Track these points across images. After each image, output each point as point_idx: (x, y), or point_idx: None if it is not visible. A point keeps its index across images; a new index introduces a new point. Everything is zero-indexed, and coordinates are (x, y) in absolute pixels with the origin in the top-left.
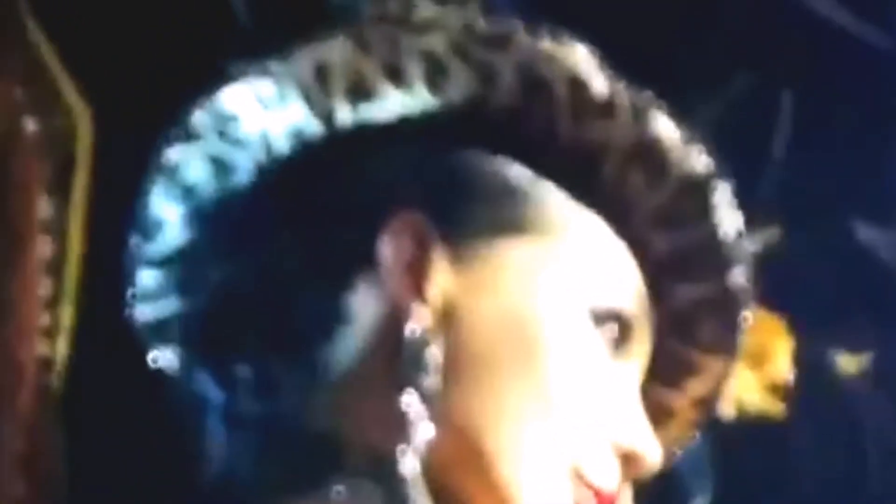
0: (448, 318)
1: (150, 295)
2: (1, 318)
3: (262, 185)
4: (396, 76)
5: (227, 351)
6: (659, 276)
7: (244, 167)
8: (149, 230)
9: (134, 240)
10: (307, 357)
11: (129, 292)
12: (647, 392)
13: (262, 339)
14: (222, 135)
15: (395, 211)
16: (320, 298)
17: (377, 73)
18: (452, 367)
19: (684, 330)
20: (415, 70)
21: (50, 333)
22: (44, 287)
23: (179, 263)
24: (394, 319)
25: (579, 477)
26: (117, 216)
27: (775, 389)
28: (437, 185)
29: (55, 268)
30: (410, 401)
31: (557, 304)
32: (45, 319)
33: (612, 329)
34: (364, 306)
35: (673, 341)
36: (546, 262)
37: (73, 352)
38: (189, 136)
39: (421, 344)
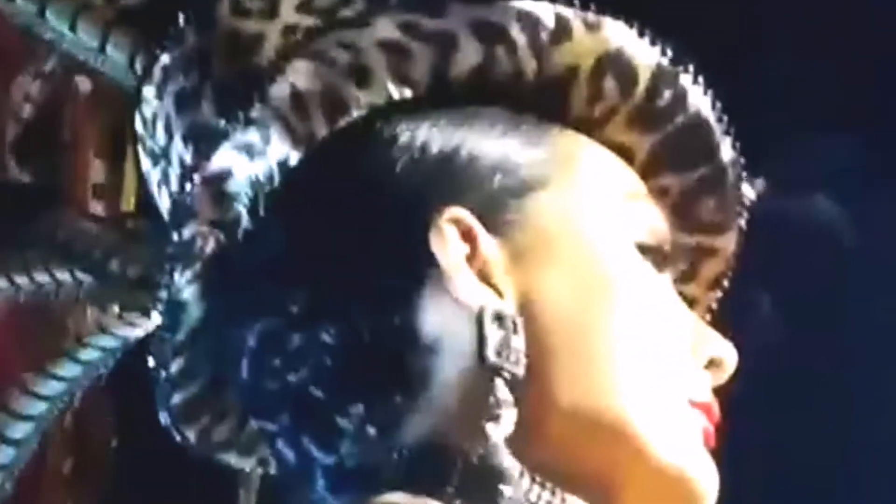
0: (521, 301)
1: (179, 382)
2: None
3: (267, 231)
4: (363, 77)
5: (323, 410)
6: (651, 176)
7: (242, 220)
8: (174, 318)
9: (161, 334)
10: (409, 387)
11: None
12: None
13: (352, 386)
14: (218, 198)
15: (430, 211)
16: (396, 330)
17: (344, 80)
18: (542, 349)
19: (686, 219)
20: (379, 65)
21: None
22: None
23: (203, 342)
24: (472, 320)
25: (693, 402)
26: None
27: None
28: (450, 169)
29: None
30: (500, 391)
31: (609, 242)
32: None
33: (654, 252)
34: (444, 315)
35: (678, 234)
36: (578, 204)
37: None
38: (189, 211)
39: (505, 330)
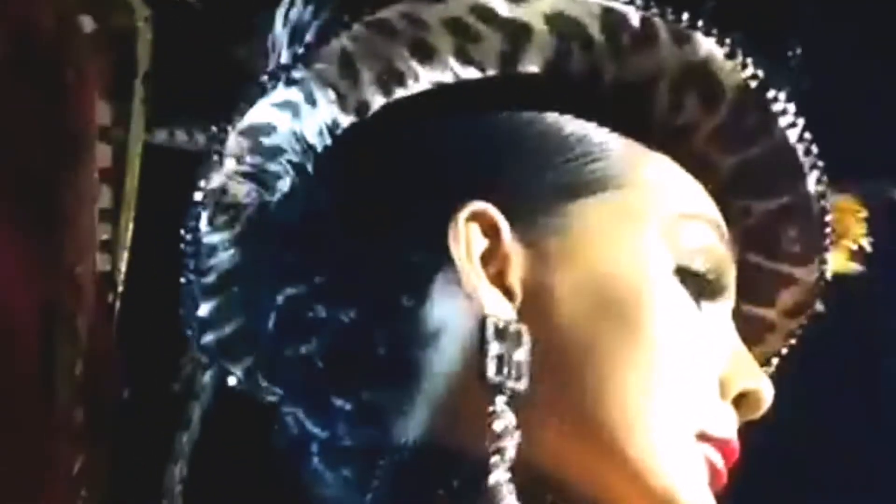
0: (534, 307)
1: (211, 323)
2: (56, 231)
3: (307, 191)
4: (425, 54)
5: (320, 385)
6: (731, 196)
7: (284, 175)
8: (201, 261)
9: (187, 276)
10: (403, 376)
11: (190, 324)
12: (738, 312)
13: (352, 367)
14: (257, 150)
15: (457, 202)
16: (402, 313)
17: (404, 54)
18: (548, 359)
19: (768, 245)
20: (443, 43)
21: (109, 248)
22: (103, 198)
23: (236, 287)
24: (480, 318)
25: (704, 436)
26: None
27: (852, 256)
28: (493, 161)
29: (115, 178)
30: (500, 408)
31: (645, 263)
32: (103, 233)
33: (699, 280)
34: (449, 309)
35: (757, 258)
36: (624, 218)
37: (132, 268)
38: (224, 158)
39: (507, 343)
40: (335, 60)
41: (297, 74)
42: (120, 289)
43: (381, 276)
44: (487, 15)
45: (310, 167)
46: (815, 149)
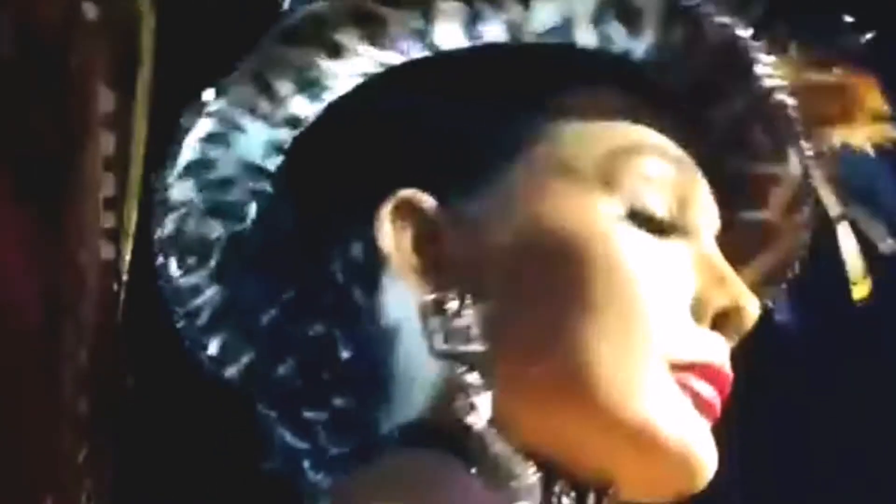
0: (477, 275)
1: (226, 359)
2: (60, 219)
3: (270, 213)
4: (334, 50)
5: (297, 401)
6: (690, 114)
7: (249, 202)
8: (186, 304)
9: (180, 321)
10: (370, 375)
11: (205, 364)
12: (736, 222)
13: (322, 378)
14: (205, 186)
15: (383, 193)
16: (359, 313)
17: (313, 57)
18: (503, 320)
19: (742, 148)
20: (350, 35)
21: (113, 236)
22: (106, 186)
23: (234, 321)
24: (418, 301)
25: (679, 365)
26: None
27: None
28: (415, 146)
29: (119, 165)
30: (462, 376)
31: (583, 213)
32: (107, 221)
33: (654, 219)
34: (400, 301)
35: (738, 162)
36: (554, 173)
37: (135, 256)
38: (170, 203)
39: (446, 315)
40: (248, 82)
41: (212, 107)
42: (124, 277)
43: (334, 282)
44: None
45: (270, 189)
46: (757, 44)
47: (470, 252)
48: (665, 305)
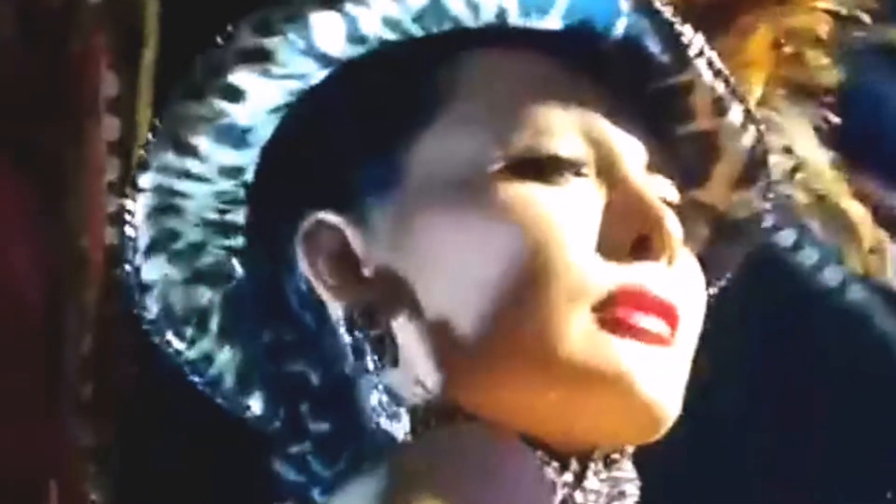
0: (394, 278)
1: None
2: (64, 203)
3: (242, 265)
4: (235, 95)
5: (280, 439)
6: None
7: (221, 265)
8: (207, 376)
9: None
10: (340, 397)
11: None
12: (680, 139)
13: (298, 411)
14: (176, 256)
15: (297, 219)
16: (316, 340)
17: (221, 106)
18: (425, 315)
19: (665, 113)
20: (247, 76)
21: (118, 220)
22: (110, 170)
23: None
24: (338, 321)
25: (600, 304)
26: None
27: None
28: (318, 167)
29: (123, 149)
30: (380, 389)
31: (478, 168)
32: (111, 205)
33: (536, 163)
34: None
35: (668, 129)
36: (456, 135)
37: None
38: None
39: (360, 329)
40: (168, 147)
41: (144, 183)
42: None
43: (293, 315)
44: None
45: (241, 240)
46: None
47: (381, 264)
48: (575, 251)
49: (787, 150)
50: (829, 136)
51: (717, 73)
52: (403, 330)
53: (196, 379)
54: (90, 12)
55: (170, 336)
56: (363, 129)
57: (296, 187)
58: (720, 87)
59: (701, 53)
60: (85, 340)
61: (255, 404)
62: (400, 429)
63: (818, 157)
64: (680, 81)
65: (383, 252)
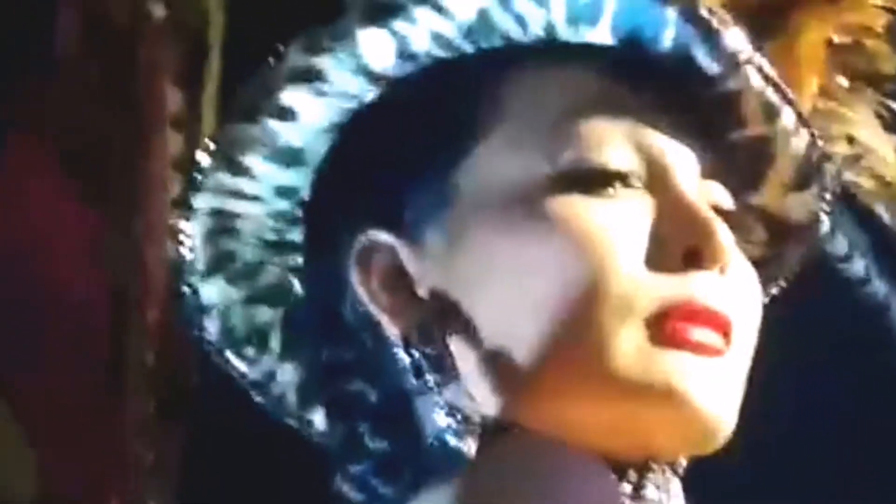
0: (448, 300)
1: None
2: (127, 218)
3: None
4: (287, 115)
5: (341, 458)
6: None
7: (279, 285)
8: (271, 395)
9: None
10: (397, 415)
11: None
12: (733, 145)
13: (357, 429)
14: (235, 277)
15: (352, 238)
16: (374, 359)
17: (273, 126)
18: (482, 337)
19: (688, 76)
20: (298, 95)
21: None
22: (174, 186)
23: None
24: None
25: (653, 317)
26: None
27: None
28: (373, 192)
29: (186, 165)
30: (445, 407)
31: (529, 184)
32: (175, 220)
33: (587, 176)
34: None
35: (721, 136)
36: (507, 151)
37: None
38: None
39: (418, 347)
40: (224, 168)
41: (198, 204)
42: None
43: (350, 333)
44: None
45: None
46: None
47: (436, 281)
48: (627, 265)
49: (850, 139)
50: (891, 123)
51: (767, 79)
52: (460, 350)
53: (259, 399)
54: (155, 28)
55: (231, 356)
56: (414, 147)
57: (349, 206)
58: (770, 93)
59: (749, 60)
60: (147, 355)
61: (319, 420)
62: (465, 446)
63: (882, 144)
64: (729, 89)
65: (437, 271)
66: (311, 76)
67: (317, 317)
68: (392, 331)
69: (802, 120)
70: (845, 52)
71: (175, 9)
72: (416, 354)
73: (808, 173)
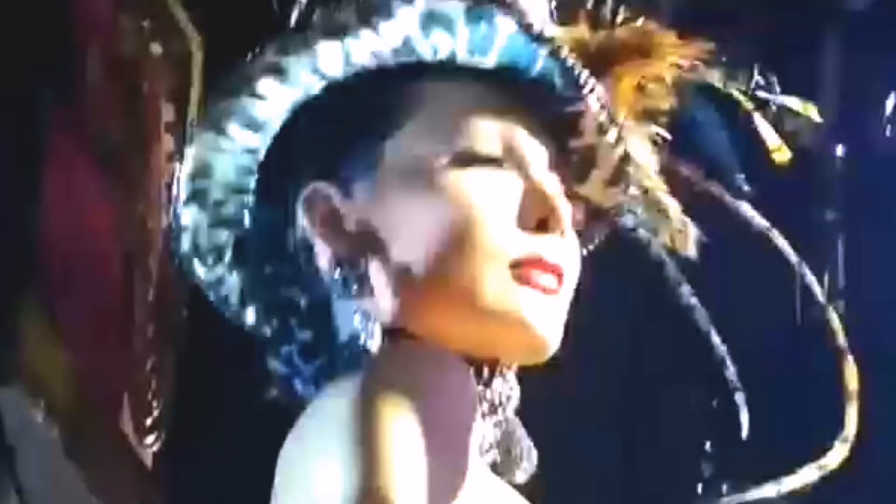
0: (369, 232)
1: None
2: (135, 195)
3: (252, 219)
4: (261, 97)
5: (275, 340)
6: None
7: (235, 216)
8: (218, 294)
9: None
10: (320, 316)
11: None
12: (572, 149)
13: (289, 322)
14: (204, 207)
15: (301, 186)
16: (308, 275)
17: (248, 103)
18: (389, 260)
19: (550, 96)
20: (269, 85)
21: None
22: (167, 170)
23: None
24: (329, 260)
25: (517, 263)
26: None
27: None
28: (320, 150)
29: (176, 157)
30: (360, 312)
31: (431, 160)
32: (168, 196)
33: (476, 156)
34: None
35: (550, 109)
36: (417, 136)
37: None
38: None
39: (345, 267)
40: (210, 129)
41: (190, 153)
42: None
43: (290, 255)
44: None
45: (251, 200)
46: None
47: (360, 222)
48: (496, 223)
49: (627, 156)
50: (660, 146)
51: (602, 105)
52: (374, 270)
53: (210, 296)
54: (154, 61)
55: (196, 264)
56: (352, 127)
57: (300, 164)
58: (603, 115)
59: (592, 90)
60: (149, 293)
61: (251, 316)
62: (372, 344)
63: (649, 161)
64: (576, 109)
65: (362, 213)
66: (279, 70)
67: (265, 241)
68: (325, 254)
69: (621, 137)
70: (636, 92)
71: (168, 47)
72: (342, 271)
73: (619, 174)
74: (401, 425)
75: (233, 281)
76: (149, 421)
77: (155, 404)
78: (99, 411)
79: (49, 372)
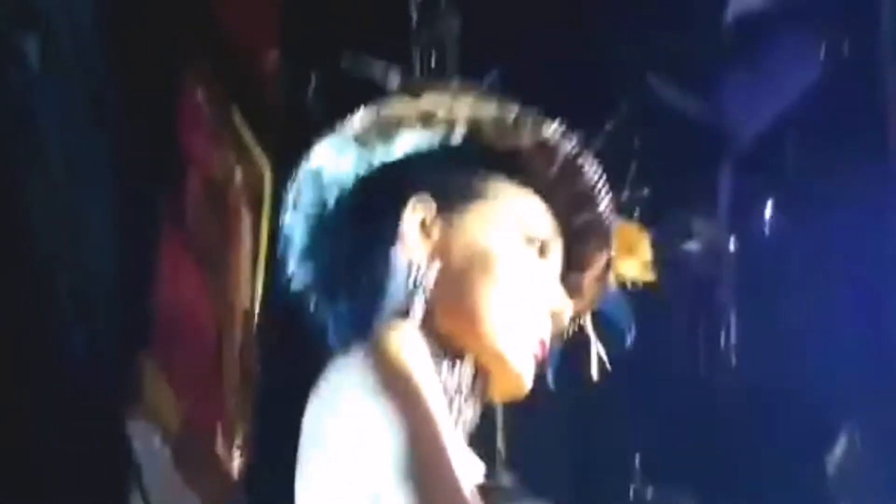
0: (442, 252)
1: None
2: (224, 281)
3: (340, 212)
4: (427, 122)
5: (333, 300)
6: (563, 215)
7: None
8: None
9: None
10: (379, 292)
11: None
12: (567, 278)
13: (352, 291)
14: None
15: (408, 196)
16: (381, 262)
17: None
18: (447, 277)
19: (579, 240)
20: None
21: (250, 294)
22: (246, 265)
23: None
24: (407, 259)
25: (536, 336)
26: None
27: (646, 267)
28: (439, 179)
29: (253, 255)
30: (414, 303)
31: (501, 234)
32: (248, 288)
33: (536, 244)
34: (398, 254)
35: (576, 246)
36: (493, 212)
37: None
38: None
39: (419, 270)
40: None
41: (303, 170)
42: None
43: (382, 244)
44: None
45: (341, 199)
46: (603, 184)
47: (446, 238)
48: (537, 299)
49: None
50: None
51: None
52: (430, 280)
53: (290, 288)
54: (238, 184)
55: (290, 260)
56: (453, 182)
57: (412, 184)
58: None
59: (601, 193)
60: (234, 352)
61: (313, 301)
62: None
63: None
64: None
65: (446, 240)
66: (332, 158)
67: (357, 245)
68: (405, 253)
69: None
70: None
71: (246, 175)
72: (411, 271)
73: (607, 238)
74: (413, 383)
75: (308, 273)
76: (235, 443)
77: (239, 431)
78: (199, 437)
79: (163, 409)
